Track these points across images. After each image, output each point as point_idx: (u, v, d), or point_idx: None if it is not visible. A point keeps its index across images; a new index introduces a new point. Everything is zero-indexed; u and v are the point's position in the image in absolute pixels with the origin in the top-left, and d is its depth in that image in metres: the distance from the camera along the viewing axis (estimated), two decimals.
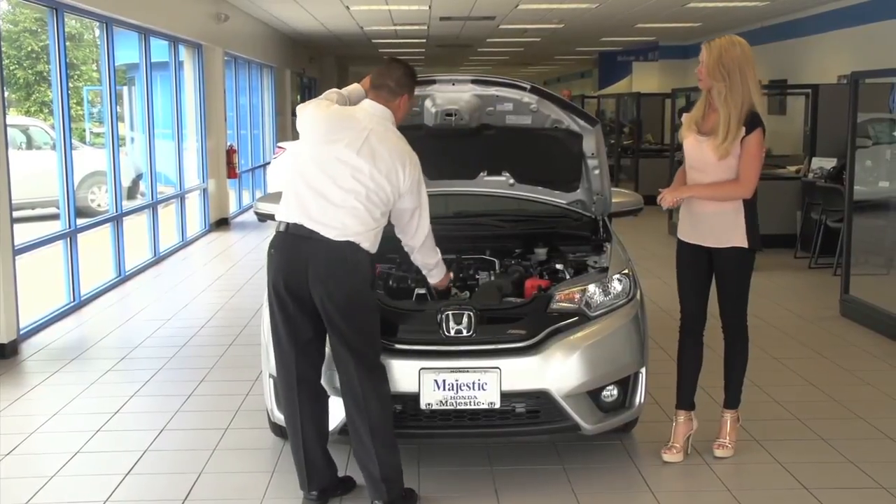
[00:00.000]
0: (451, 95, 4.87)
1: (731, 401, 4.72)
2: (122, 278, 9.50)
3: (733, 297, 4.57)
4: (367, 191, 3.94)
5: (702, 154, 4.46)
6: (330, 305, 3.93)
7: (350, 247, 3.93)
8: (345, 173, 3.94)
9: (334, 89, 4.36)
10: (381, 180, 3.96)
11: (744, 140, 4.35)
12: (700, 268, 4.59)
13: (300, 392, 4.08)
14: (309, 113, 4.10)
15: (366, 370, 3.99)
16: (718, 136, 4.36)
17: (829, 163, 10.22)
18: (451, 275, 4.60)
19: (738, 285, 4.55)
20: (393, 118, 4.11)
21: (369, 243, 3.99)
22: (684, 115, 4.65)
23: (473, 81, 4.81)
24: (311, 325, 4.02)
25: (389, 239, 5.01)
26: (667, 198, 4.53)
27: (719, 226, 4.49)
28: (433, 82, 4.80)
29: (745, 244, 4.47)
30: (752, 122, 4.35)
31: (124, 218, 9.79)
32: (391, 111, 4.10)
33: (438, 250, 4.36)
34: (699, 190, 4.50)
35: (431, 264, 4.39)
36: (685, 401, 4.70)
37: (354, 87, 4.36)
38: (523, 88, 4.82)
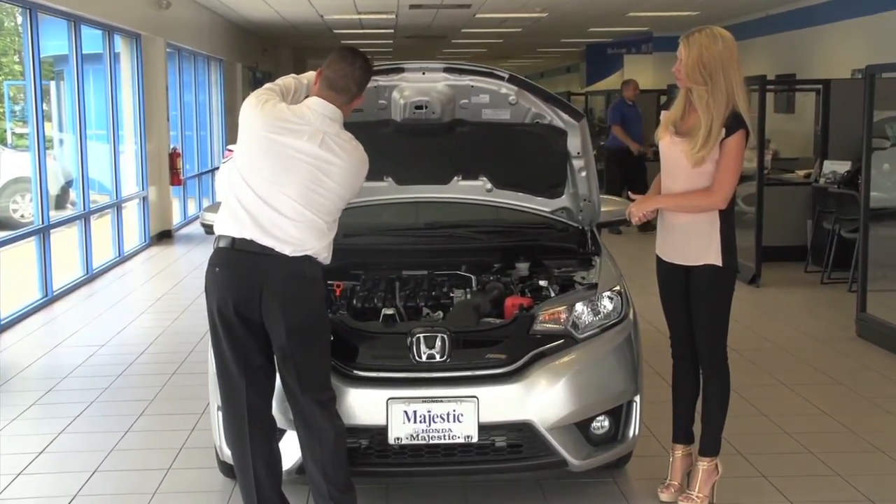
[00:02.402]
0: (422, 86, 4.87)
1: (707, 447, 4.58)
2: (49, 299, 9.41)
3: (708, 325, 4.48)
4: (322, 199, 3.94)
5: (675, 157, 4.40)
6: (285, 330, 3.90)
7: (308, 262, 3.93)
8: (295, 182, 3.91)
9: (292, 75, 4.33)
10: (337, 188, 3.97)
11: (723, 142, 4.28)
12: (679, 288, 4.52)
13: (251, 426, 4.04)
14: (251, 106, 4.02)
15: (318, 403, 3.98)
16: (696, 142, 4.28)
17: (842, 166, 10.29)
18: None
19: (712, 311, 4.47)
20: (342, 118, 4.08)
21: (326, 254, 4.03)
22: (663, 113, 4.61)
23: (446, 70, 4.83)
24: (261, 351, 4.00)
25: (354, 252, 5.01)
26: (634, 211, 4.51)
27: (692, 241, 4.42)
28: (401, 70, 4.80)
29: (719, 262, 4.39)
30: (734, 123, 4.28)
31: (52, 230, 9.70)
32: (341, 112, 4.08)
33: None
34: (667, 201, 4.47)
35: None
36: (682, 433, 4.69)
37: (312, 76, 4.29)
38: (501, 77, 4.83)
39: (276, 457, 4.12)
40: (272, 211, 3.90)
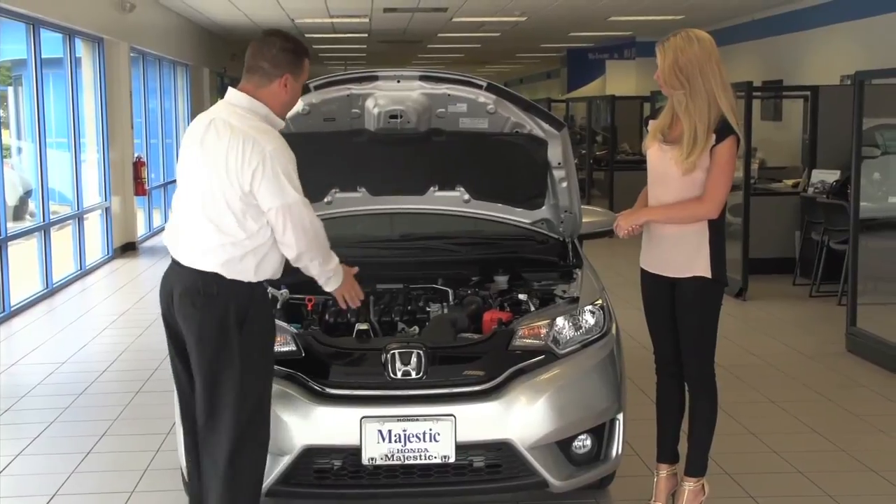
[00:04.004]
0: (396, 94, 4.90)
1: (693, 467, 4.59)
2: (7, 315, 9.37)
3: (695, 340, 4.49)
4: (213, 200, 3.79)
5: (665, 166, 4.41)
6: (188, 346, 3.90)
7: (204, 277, 3.82)
8: (187, 186, 3.90)
9: None
10: (215, 180, 3.78)
11: (714, 150, 4.29)
12: (665, 301, 4.53)
13: (191, 444, 4.06)
14: None
15: (225, 434, 3.85)
16: (683, 149, 4.30)
17: (831, 176, 10.36)
18: (355, 270, 4.26)
19: (700, 325, 4.48)
20: (261, 107, 3.89)
21: (238, 272, 3.82)
22: (650, 122, 4.64)
23: (422, 78, 4.87)
24: (188, 368, 3.98)
25: None
26: (622, 225, 4.51)
27: (680, 251, 4.43)
28: (375, 78, 4.84)
29: (708, 274, 4.40)
30: (724, 129, 4.29)
31: (9, 242, 9.66)
32: (262, 100, 3.89)
33: (332, 255, 4.06)
34: (657, 213, 4.47)
35: (321, 275, 4.06)
36: (666, 452, 4.70)
37: None
38: (479, 86, 4.87)
39: None
40: (177, 219, 3.95)
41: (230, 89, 3.97)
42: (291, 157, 3.83)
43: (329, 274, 4.04)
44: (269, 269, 3.91)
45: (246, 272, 3.83)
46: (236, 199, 3.77)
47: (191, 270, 3.83)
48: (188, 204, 3.88)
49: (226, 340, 3.80)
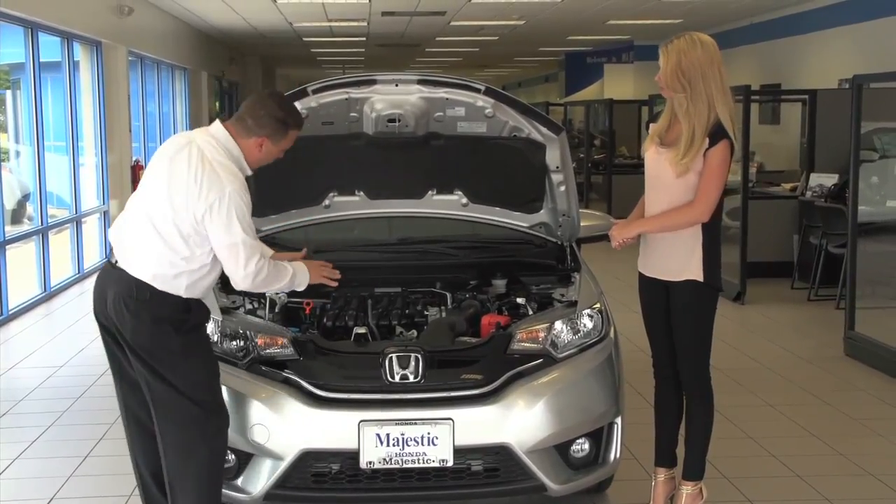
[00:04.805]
0: (394, 98, 4.91)
1: (690, 471, 4.60)
2: (4, 318, 9.36)
3: (689, 344, 4.49)
4: (164, 217, 3.89)
5: (659, 169, 4.42)
6: (126, 350, 3.96)
7: (138, 283, 3.89)
8: (146, 194, 3.99)
9: None
10: (167, 200, 3.89)
11: (706, 153, 4.28)
12: (661, 305, 4.54)
13: (130, 430, 4.16)
14: None
15: (178, 430, 3.94)
16: (679, 150, 4.30)
17: (829, 179, 10.37)
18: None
19: (693, 330, 4.48)
20: (235, 148, 4.00)
21: (169, 286, 3.90)
22: (651, 125, 4.64)
23: (420, 81, 4.88)
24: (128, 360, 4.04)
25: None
26: (615, 235, 4.52)
27: (673, 255, 4.44)
28: (373, 82, 4.85)
29: (700, 277, 4.40)
30: (718, 132, 4.28)
31: (7, 246, 9.65)
32: (238, 145, 4.01)
33: (284, 272, 4.11)
34: (650, 224, 4.48)
35: (283, 289, 4.29)
36: (664, 456, 4.70)
37: None
38: (477, 90, 4.88)
39: (159, 462, 4.10)
40: (126, 224, 4.02)
41: (216, 121, 4.07)
42: (248, 201, 3.93)
43: (290, 286, 4.19)
44: (199, 292, 4.02)
45: (177, 289, 3.93)
46: (186, 224, 3.89)
47: (126, 274, 3.91)
48: (142, 210, 3.97)
49: (162, 342, 3.91)
